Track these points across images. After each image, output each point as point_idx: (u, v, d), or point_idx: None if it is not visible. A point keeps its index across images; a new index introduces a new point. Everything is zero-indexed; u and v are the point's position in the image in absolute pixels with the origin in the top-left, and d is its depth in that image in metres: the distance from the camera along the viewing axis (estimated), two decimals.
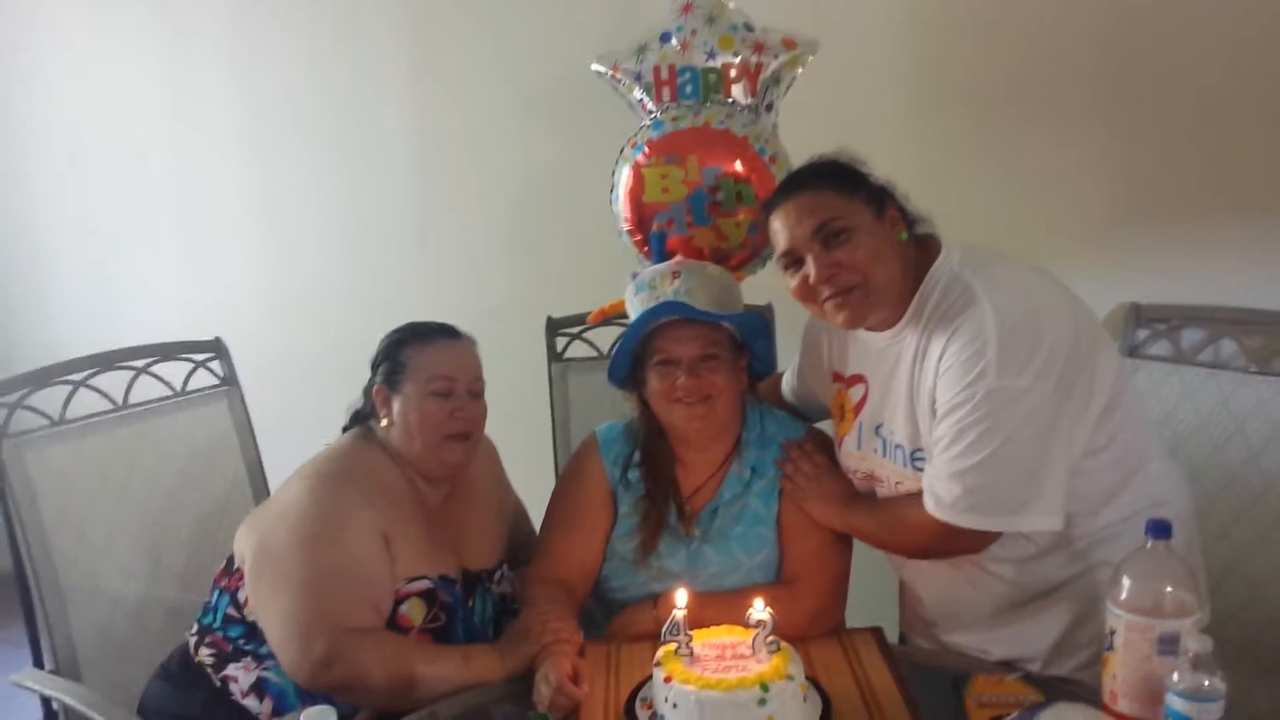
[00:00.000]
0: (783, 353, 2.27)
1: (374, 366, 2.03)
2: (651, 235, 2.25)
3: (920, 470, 1.75)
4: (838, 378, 1.97)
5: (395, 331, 2.04)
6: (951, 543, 1.73)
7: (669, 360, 1.90)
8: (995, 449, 1.62)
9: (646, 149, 2.32)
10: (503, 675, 1.79)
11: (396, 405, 1.97)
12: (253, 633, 1.88)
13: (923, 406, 1.73)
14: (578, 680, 1.70)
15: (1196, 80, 2.55)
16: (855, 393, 1.91)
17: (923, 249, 1.79)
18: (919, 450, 1.76)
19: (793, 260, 1.77)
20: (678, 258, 2.05)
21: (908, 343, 1.77)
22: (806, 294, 1.77)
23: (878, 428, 1.85)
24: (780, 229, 1.77)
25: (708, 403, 1.90)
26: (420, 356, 1.97)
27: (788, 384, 2.19)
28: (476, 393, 2.01)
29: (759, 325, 1.98)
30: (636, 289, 1.99)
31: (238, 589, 1.91)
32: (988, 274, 1.71)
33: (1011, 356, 1.61)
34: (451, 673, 1.79)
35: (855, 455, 1.91)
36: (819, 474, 1.94)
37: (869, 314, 1.77)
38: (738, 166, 2.27)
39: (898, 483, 1.82)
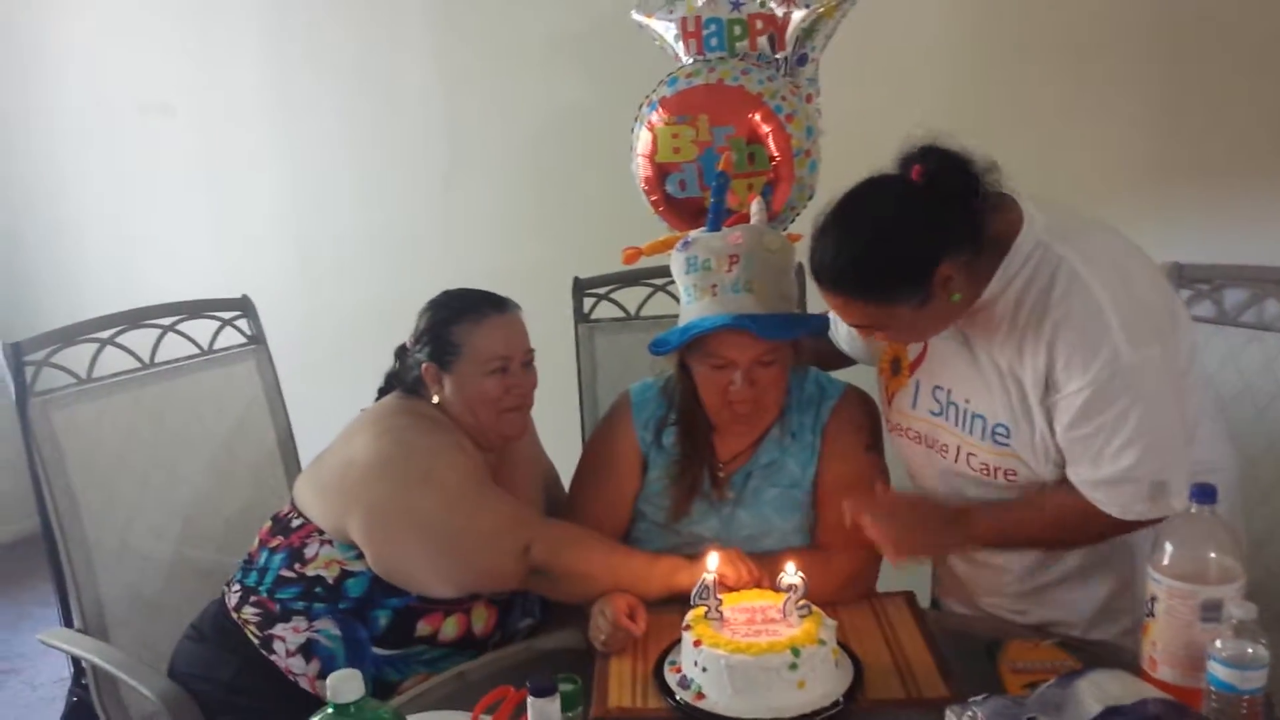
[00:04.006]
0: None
1: (417, 340, 1.99)
2: (715, 183, 2.11)
3: (1001, 445, 1.70)
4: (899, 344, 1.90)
5: (439, 307, 1.99)
6: (1130, 529, 1.67)
7: (724, 363, 1.83)
8: (1150, 433, 1.58)
9: (660, 107, 2.27)
10: (689, 585, 1.73)
11: (449, 384, 1.94)
12: (310, 593, 1.87)
13: (1028, 385, 1.65)
14: (634, 617, 1.72)
15: (1243, 38, 2.48)
16: (914, 349, 1.85)
17: (1001, 217, 1.66)
18: (1001, 425, 1.70)
19: None
20: (737, 229, 1.91)
21: (989, 313, 1.68)
22: None
23: (935, 389, 1.80)
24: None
25: (758, 407, 1.86)
26: (473, 336, 1.93)
27: (833, 324, 2.09)
28: (528, 362, 1.99)
29: (823, 326, 1.94)
30: (688, 265, 1.88)
31: (302, 546, 1.90)
32: (1081, 247, 1.62)
33: (1134, 327, 1.56)
34: (639, 572, 1.83)
35: (909, 414, 1.85)
36: (897, 507, 1.77)
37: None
38: (750, 127, 2.21)
39: (970, 454, 1.75)
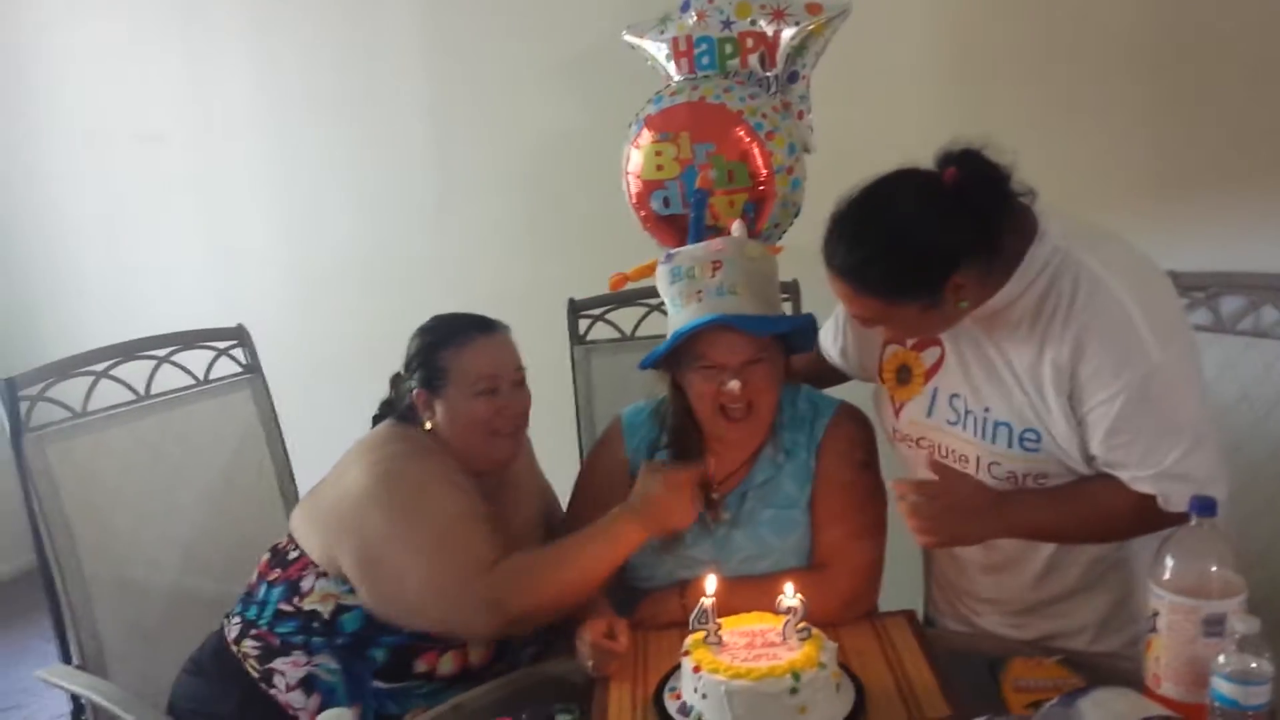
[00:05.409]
0: None
1: (408, 367, 1.99)
2: (694, 199, 2.16)
3: (1031, 451, 1.68)
4: (895, 338, 1.89)
5: (427, 331, 1.99)
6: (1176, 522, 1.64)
7: (714, 365, 1.83)
8: (1192, 426, 1.58)
9: (645, 125, 2.28)
10: (646, 539, 1.82)
11: (440, 409, 1.93)
12: (307, 627, 1.86)
13: (1048, 386, 1.64)
14: (614, 636, 1.71)
15: (1237, 45, 2.48)
16: (929, 356, 1.82)
17: (1015, 225, 1.64)
18: (1031, 430, 1.68)
19: None
20: (718, 239, 1.94)
21: (1006, 317, 1.67)
22: None
23: (953, 397, 1.78)
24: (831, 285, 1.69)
25: (751, 411, 1.85)
26: (459, 359, 1.93)
27: (827, 336, 2.07)
28: (519, 382, 1.98)
29: (809, 330, 1.94)
30: (672, 276, 1.90)
31: (299, 579, 1.89)
32: (1099, 253, 1.62)
33: (1160, 327, 1.57)
34: (606, 556, 1.81)
35: (921, 423, 1.83)
36: (944, 491, 1.68)
37: None
38: (730, 144, 2.21)
39: (993, 462, 1.73)
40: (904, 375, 1.87)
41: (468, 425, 1.92)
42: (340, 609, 1.85)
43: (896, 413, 1.88)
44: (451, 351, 1.93)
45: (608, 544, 1.81)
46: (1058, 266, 1.62)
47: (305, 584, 1.88)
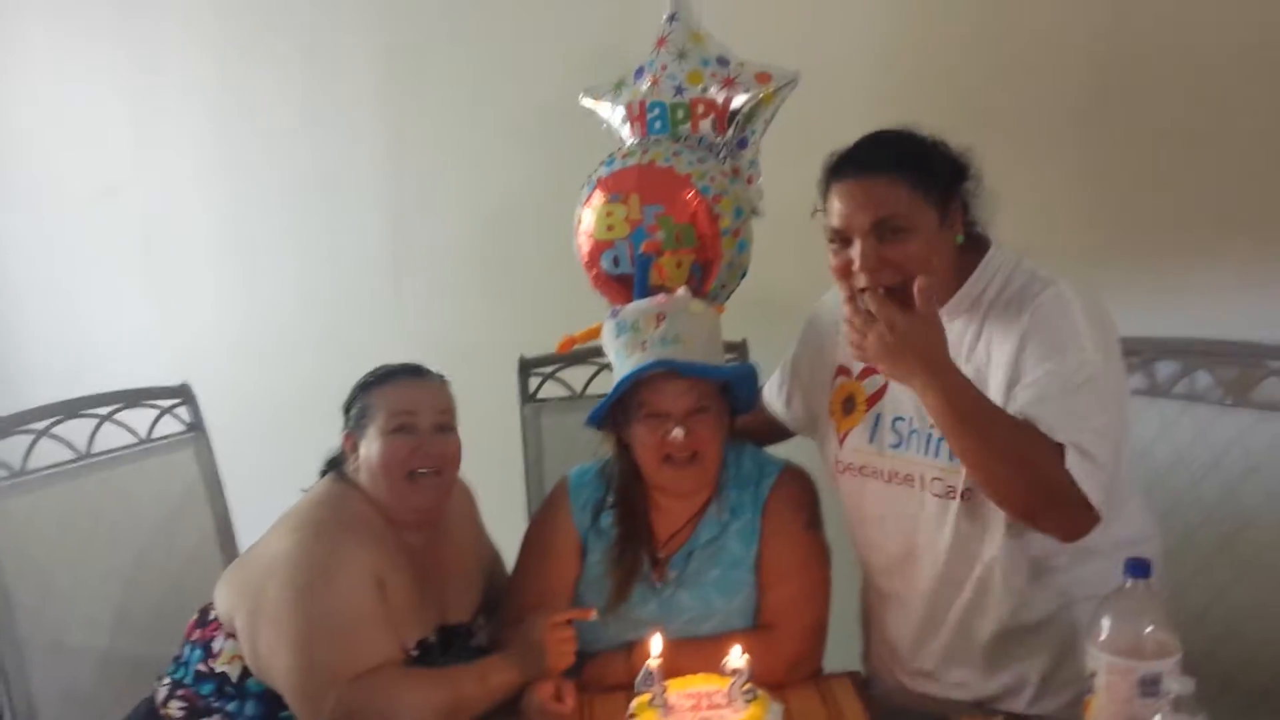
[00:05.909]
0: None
1: (345, 413, 1.99)
2: (638, 259, 2.23)
3: (955, 461, 1.70)
4: (843, 371, 1.92)
5: (364, 376, 2.01)
6: (1062, 513, 1.62)
7: (658, 414, 1.86)
8: (1105, 433, 1.60)
9: (597, 186, 2.32)
10: (519, 687, 1.80)
11: (362, 449, 1.93)
12: (221, 690, 1.84)
13: (992, 385, 1.69)
14: (560, 697, 1.73)
15: (1168, 115, 2.55)
16: (872, 384, 1.86)
17: (972, 242, 1.76)
18: None
19: (841, 240, 1.71)
20: (661, 295, 1.98)
21: (964, 320, 1.74)
22: (844, 274, 1.71)
23: (896, 420, 1.82)
24: (838, 207, 1.70)
25: (696, 460, 1.87)
26: (382, 397, 1.94)
27: (772, 389, 2.12)
28: (443, 426, 1.96)
29: (750, 378, 1.96)
30: (618, 330, 1.93)
31: (210, 640, 1.87)
32: (1053, 275, 1.71)
33: (1102, 342, 1.64)
34: (473, 693, 1.79)
35: (864, 450, 1.86)
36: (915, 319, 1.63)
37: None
38: (678, 206, 2.25)
39: (935, 478, 1.76)
40: (849, 405, 1.91)
41: (385, 466, 1.89)
42: (247, 671, 1.83)
43: (840, 441, 1.91)
44: (376, 391, 1.95)
45: (478, 684, 1.80)
46: (1012, 270, 1.73)
47: (216, 645, 1.86)
